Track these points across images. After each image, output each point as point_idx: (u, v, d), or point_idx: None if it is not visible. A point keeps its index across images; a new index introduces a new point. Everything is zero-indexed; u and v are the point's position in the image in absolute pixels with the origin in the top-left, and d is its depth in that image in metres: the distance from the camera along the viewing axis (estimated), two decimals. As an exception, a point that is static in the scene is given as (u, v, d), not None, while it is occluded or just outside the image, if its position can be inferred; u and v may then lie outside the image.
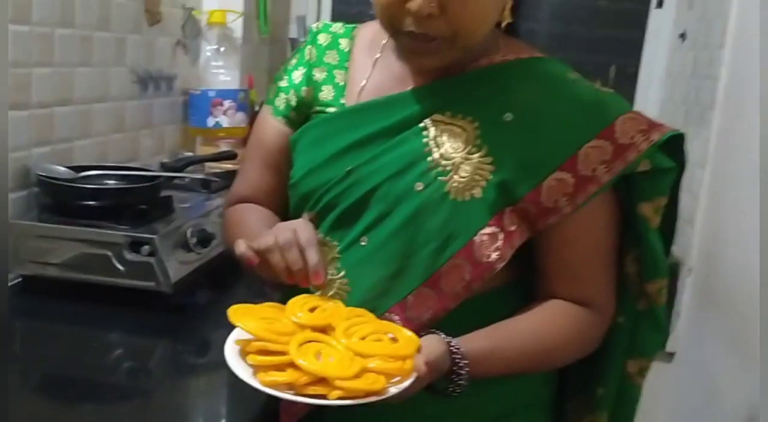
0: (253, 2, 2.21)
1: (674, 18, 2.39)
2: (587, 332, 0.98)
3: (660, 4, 2.45)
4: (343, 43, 1.05)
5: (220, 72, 2.11)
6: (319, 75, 1.04)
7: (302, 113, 1.06)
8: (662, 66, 2.45)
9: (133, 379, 1.15)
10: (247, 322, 0.82)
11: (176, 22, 1.95)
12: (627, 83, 2.52)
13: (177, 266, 1.31)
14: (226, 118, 2.03)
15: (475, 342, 0.90)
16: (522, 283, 1.00)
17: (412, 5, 0.85)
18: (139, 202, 1.40)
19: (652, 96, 2.49)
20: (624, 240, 0.99)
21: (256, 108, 2.24)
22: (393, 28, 0.90)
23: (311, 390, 0.77)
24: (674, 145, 0.94)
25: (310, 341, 0.81)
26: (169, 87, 1.94)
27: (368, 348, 0.81)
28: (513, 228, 0.92)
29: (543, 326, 0.95)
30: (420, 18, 0.86)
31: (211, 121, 2.02)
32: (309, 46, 1.07)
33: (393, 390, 0.79)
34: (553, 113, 0.93)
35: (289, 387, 0.78)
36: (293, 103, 1.06)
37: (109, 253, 1.29)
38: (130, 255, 1.28)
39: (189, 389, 1.16)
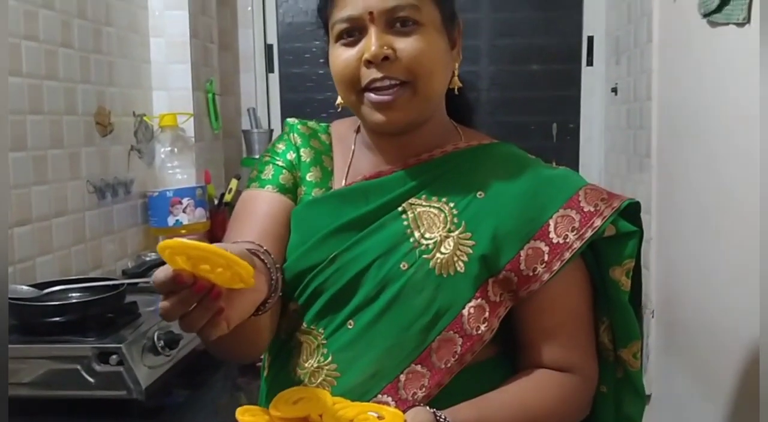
0: (203, 101, 2.28)
1: (605, 74, 2.52)
2: (572, 397, 1.00)
3: (590, 63, 2.58)
4: (323, 136, 1.10)
5: (177, 171, 2.16)
6: (306, 156, 1.07)
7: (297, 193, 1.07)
8: (600, 119, 2.56)
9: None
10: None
11: (128, 129, 2.01)
12: (570, 138, 2.63)
13: (147, 372, 1.33)
14: (186, 215, 2.06)
15: (462, 413, 0.91)
16: (506, 356, 1.03)
17: (367, 55, 0.93)
18: (104, 311, 1.42)
19: (595, 148, 2.60)
20: (596, 310, 1.03)
21: (215, 202, 2.28)
22: (355, 88, 0.96)
23: None
24: (632, 214, 1.00)
25: None
26: (127, 191, 1.98)
27: None
28: (497, 298, 0.96)
29: (528, 395, 0.97)
30: (377, 64, 0.93)
31: (171, 220, 2.05)
32: (292, 134, 1.09)
33: None
34: (521, 189, 0.99)
35: None
36: (291, 183, 1.06)
37: (78, 367, 1.30)
38: (98, 367, 1.30)
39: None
